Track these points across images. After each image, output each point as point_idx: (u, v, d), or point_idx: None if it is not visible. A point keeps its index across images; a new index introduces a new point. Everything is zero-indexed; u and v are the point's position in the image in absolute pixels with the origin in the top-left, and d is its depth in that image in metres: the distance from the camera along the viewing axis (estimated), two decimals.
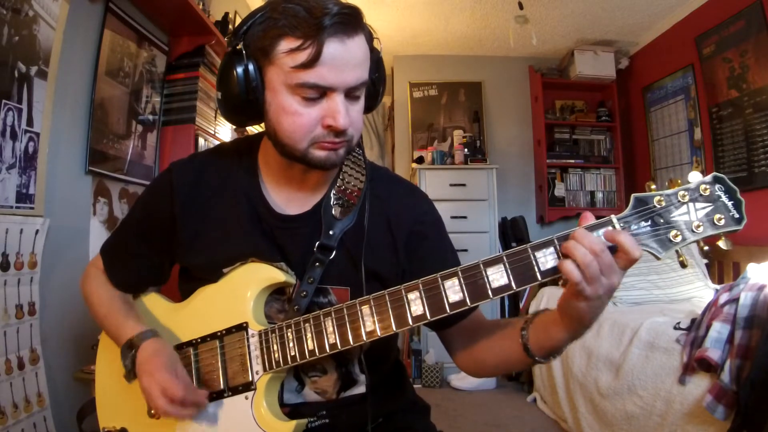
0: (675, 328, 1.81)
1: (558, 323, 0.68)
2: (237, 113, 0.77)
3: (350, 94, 0.73)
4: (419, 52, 4.02)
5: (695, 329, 1.68)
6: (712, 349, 1.51)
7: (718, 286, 2.46)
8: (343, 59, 0.69)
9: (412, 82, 4.02)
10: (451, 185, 3.53)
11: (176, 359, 0.79)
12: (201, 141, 2.23)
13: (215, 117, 2.39)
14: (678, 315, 2.03)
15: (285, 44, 0.69)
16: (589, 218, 0.65)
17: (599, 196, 3.91)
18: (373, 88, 0.81)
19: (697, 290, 2.58)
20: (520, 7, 3.09)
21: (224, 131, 2.50)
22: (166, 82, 2.13)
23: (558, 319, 0.68)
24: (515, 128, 4.08)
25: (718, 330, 1.55)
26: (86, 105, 1.65)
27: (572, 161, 3.91)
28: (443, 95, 4.03)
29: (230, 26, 2.59)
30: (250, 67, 0.72)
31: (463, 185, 3.54)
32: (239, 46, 0.72)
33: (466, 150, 3.64)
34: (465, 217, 3.48)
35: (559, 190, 3.88)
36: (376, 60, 0.79)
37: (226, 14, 2.55)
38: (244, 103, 0.74)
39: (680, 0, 3.17)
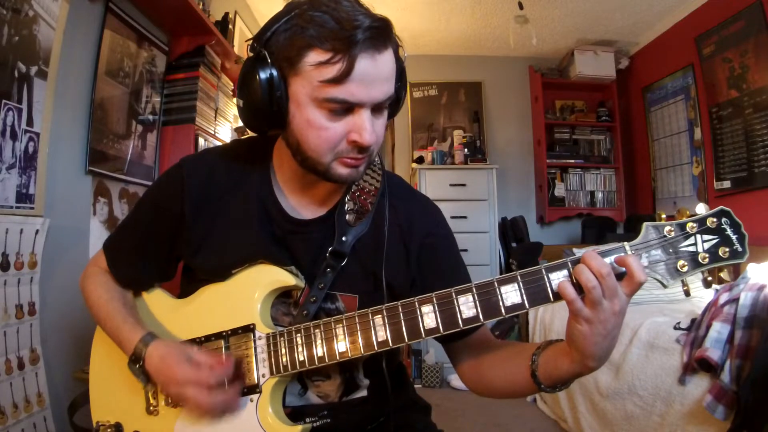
0: (675, 328, 1.81)
1: (566, 353, 0.68)
2: (259, 122, 0.74)
3: (376, 108, 0.71)
4: (419, 52, 4.02)
5: (695, 329, 1.68)
6: (712, 349, 1.51)
7: (718, 286, 2.46)
8: (372, 75, 0.67)
9: (412, 82, 4.02)
10: (451, 185, 3.53)
11: (184, 349, 0.77)
12: (201, 141, 2.23)
13: (215, 117, 2.39)
14: (678, 315, 2.03)
15: (313, 56, 0.66)
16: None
17: (599, 196, 3.91)
18: (396, 96, 0.78)
19: (697, 290, 2.58)
20: (520, 7, 3.10)
21: (224, 131, 2.50)
22: (166, 82, 2.13)
23: (566, 349, 0.68)
24: (515, 128, 4.08)
25: (718, 330, 1.55)
26: (86, 105, 1.65)
27: (572, 161, 3.91)
28: (443, 95, 4.03)
29: (230, 26, 2.59)
30: (275, 76, 0.69)
31: (463, 185, 3.54)
32: (263, 53, 0.69)
33: (466, 150, 3.64)
34: (465, 217, 3.48)
35: (559, 190, 3.88)
36: (400, 68, 0.76)
37: (226, 14, 2.54)
38: (267, 112, 0.71)
39: (680, 0, 3.17)
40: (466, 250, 3.30)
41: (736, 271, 2.71)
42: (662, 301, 2.54)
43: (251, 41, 0.72)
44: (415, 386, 2.20)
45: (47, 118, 1.42)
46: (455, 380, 3.19)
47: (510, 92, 4.09)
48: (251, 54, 0.71)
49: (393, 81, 0.72)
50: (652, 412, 1.72)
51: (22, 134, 1.34)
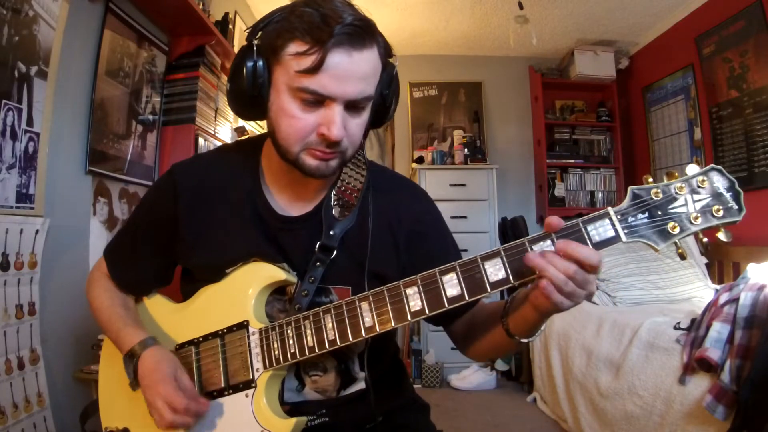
0: (675, 328, 1.81)
1: (532, 313, 0.69)
2: (243, 107, 0.78)
3: (351, 106, 0.73)
4: (419, 52, 4.02)
5: (695, 329, 1.68)
6: (712, 349, 1.51)
7: (718, 286, 2.46)
8: (346, 71, 0.69)
9: (412, 82, 4.02)
10: (451, 185, 3.53)
11: (177, 366, 0.79)
12: (201, 141, 2.23)
13: (215, 117, 2.39)
14: (678, 315, 2.03)
15: (293, 47, 0.70)
16: (555, 222, 0.64)
17: (599, 196, 3.91)
18: (383, 103, 0.80)
19: (697, 290, 2.58)
20: (520, 7, 3.09)
21: (224, 131, 2.50)
22: (166, 82, 2.13)
23: (529, 310, 0.69)
24: (515, 128, 4.07)
25: (718, 330, 1.55)
26: (86, 105, 1.65)
27: (572, 161, 3.90)
28: (443, 95, 4.03)
29: (230, 26, 2.59)
30: (260, 63, 0.73)
31: (463, 185, 3.54)
32: (255, 42, 0.74)
33: (466, 150, 3.64)
34: (465, 217, 3.48)
35: (559, 190, 3.88)
36: (389, 77, 0.78)
37: (226, 14, 2.55)
38: (250, 98, 0.75)
39: (680, 0, 3.17)
40: (466, 250, 3.23)
41: (736, 271, 2.71)
42: (662, 301, 2.54)
43: (247, 31, 0.76)
44: (415, 386, 2.20)
45: (47, 118, 1.43)
46: (455, 380, 3.19)
47: (510, 92, 4.09)
48: (246, 42, 0.75)
49: (372, 82, 0.74)
50: (652, 412, 1.72)
51: (22, 134, 1.34)
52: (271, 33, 0.73)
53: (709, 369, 1.53)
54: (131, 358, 0.80)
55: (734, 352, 1.45)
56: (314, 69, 0.68)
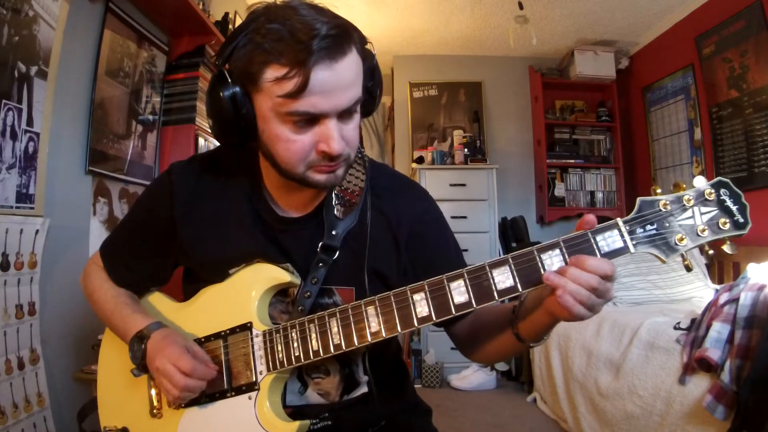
0: (675, 328, 1.81)
1: (548, 319, 0.68)
2: (231, 138, 0.74)
3: (343, 114, 0.70)
4: (419, 52, 4.02)
5: (695, 329, 1.68)
6: (712, 349, 1.51)
7: (718, 286, 2.46)
8: (332, 84, 0.66)
9: (412, 82, 4.02)
10: (451, 185, 3.53)
11: (187, 340, 0.79)
12: (201, 141, 2.23)
13: None
14: (678, 315, 2.03)
15: (271, 72, 0.66)
16: (590, 220, 0.64)
17: (599, 196, 3.91)
18: (369, 95, 0.78)
19: (697, 290, 2.58)
20: (520, 7, 3.10)
21: None
22: (166, 82, 2.13)
23: (543, 316, 0.69)
24: (515, 128, 4.07)
25: (718, 330, 1.55)
26: (86, 105, 1.65)
27: (572, 161, 3.90)
28: (443, 95, 4.03)
29: (230, 26, 2.59)
30: (238, 93, 0.69)
31: (463, 185, 3.54)
32: (225, 69, 0.70)
33: (466, 150, 3.64)
34: (465, 217, 3.48)
35: (559, 190, 3.87)
36: (370, 68, 0.76)
37: (226, 14, 2.54)
38: (237, 129, 0.72)
39: (680, 0, 3.17)
40: (466, 250, 3.25)
41: (736, 271, 2.71)
42: (662, 301, 2.54)
43: (214, 58, 0.73)
44: (415, 386, 2.20)
45: (47, 118, 1.43)
46: (455, 380, 3.19)
47: (510, 92, 4.09)
48: (215, 72, 0.71)
49: (358, 84, 0.71)
50: (652, 412, 1.72)
51: (22, 134, 1.34)
52: (242, 59, 0.68)
53: (709, 369, 1.53)
54: (141, 340, 0.79)
55: (734, 352, 1.45)
56: (299, 91, 0.65)
